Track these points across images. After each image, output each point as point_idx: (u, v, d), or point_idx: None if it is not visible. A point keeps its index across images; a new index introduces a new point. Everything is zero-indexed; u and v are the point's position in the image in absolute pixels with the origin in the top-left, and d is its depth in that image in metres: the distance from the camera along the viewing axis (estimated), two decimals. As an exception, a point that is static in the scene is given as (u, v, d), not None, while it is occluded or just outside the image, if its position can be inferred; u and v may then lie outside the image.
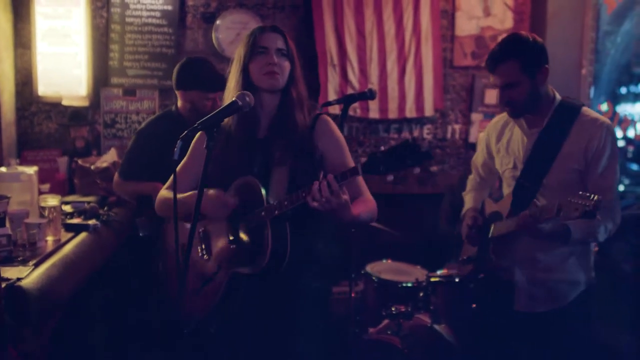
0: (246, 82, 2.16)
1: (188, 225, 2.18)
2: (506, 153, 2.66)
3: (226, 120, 2.17)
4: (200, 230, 2.27)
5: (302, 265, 2.18)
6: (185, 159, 2.29)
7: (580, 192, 2.11)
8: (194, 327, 2.26)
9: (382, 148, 1.77)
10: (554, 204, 2.18)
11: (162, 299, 2.24)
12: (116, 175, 3.43)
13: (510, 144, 2.64)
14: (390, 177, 1.73)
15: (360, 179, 2.20)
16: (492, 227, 2.64)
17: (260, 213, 2.05)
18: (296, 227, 2.09)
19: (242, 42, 2.22)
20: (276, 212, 2.01)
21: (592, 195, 2.07)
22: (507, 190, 2.67)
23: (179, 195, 2.12)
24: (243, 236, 2.13)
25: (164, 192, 2.33)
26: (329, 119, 2.26)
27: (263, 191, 2.06)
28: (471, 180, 3.02)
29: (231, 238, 2.16)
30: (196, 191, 2.09)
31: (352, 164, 2.17)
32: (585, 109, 2.50)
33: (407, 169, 1.80)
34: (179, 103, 3.28)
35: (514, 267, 2.58)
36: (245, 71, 2.17)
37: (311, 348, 2.21)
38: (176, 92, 3.27)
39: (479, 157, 2.92)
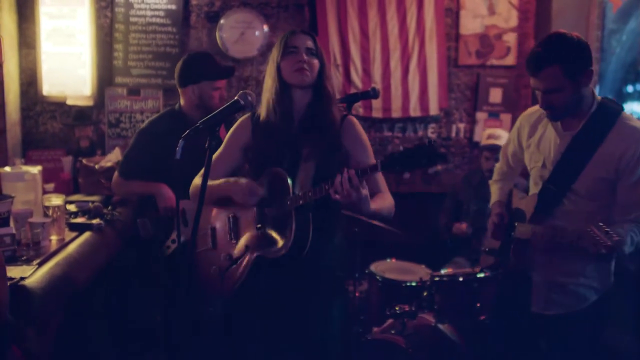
0: (280, 80, 2.30)
1: (217, 210, 2.45)
2: (537, 150, 2.57)
3: (263, 114, 2.35)
4: (230, 215, 2.42)
5: (322, 254, 2.34)
6: (221, 147, 2.43)
7: (602, 224, 2.08)
8: (215, 309, 2.47)
9: (401, 148, 1.93)
10: (575, 231, 2.18)
11: (191, 282, 2.33)
12: (116, 175, 3.35)
13: (542, 142, 2.54)
14: (406, 175, 1.89)
15: (380, 177, 2.36)
16: (516, 227, 2.59)
17: (286, 202, 2.19)
18: (319, 219, 2.22)
19: (275, 46, 2.36)
20: (301, 201, 2.15)
21: (613, 235, 2.02)
22: (533, 187, 2.61)
23: (213, 182, 2.33)
24: (269, 223, 2.28)
25: (198, 180, 2.45)
26: (356, 120, 2.41)
27: (290, 182, 2.20)
28: (498, 169, 2.93)
29: (258, 225, 2.31)
30: (228, 178, 2.36)
31: (373, 162, 2.31)
32: (624, 114, 2.39)
33: (423, 168, 1.88)
34: (183, 101, 3.23)
35: (533, 269, 2.54)
36: (278, 70, 2.31)
37: (327, 334, 2.37)
38: (181, 89, 3.21)
39: (509, 146, 2.80)
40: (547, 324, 2.53)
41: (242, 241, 2.35)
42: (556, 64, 2.25)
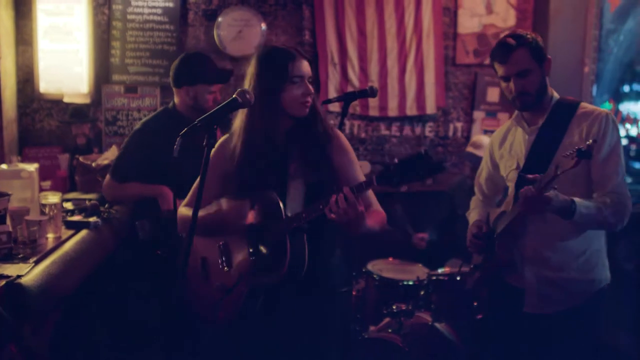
0: (275, 105, 2.15)
1: (206, 240, 2.31)
2: (509, 156, 2.65)
3: (246, 136, 2.20)
4: (220, 243, 2.31)
5: (322, 272, 2.26)
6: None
7: (575, 147, 2.13)
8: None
9: (396, 160, 1.86)
10: (553, 166, 2.17)
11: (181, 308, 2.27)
12: (107, 179, 3.25)
13: (513, 146, 2.64)
14: (404, 188, 1.77)
15: (370, 191, 2.24)
16: (497, 226, 2.59)
17: (279, 225, 2.10)
18: (314, 237, 2.14)
19: (262, 61, 2.18)
20: (294, 224, 2.07)
21: (589, 140, 2.10)
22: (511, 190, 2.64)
23: (202, 213, 2.15)
24: (262, 248, 2.19)
25: (184, 210, 2.34)
26: (342, 134, 2.32)
27: (281, 205, 2.11)
28: (474, 200, 2.99)
29: (251, 250, 2.21)
30: (215, 205, 2.23)
31: (362, 177, 2.23)
32: (583, 104, 2.52)
33: (420, 181, 1.85)
34: (178, 100, 3.19)
35: (524, 266, 2.53)
36: (275, 96, 2.14)
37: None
38: (175, 89, 3.18)
39: (482, 173, 2.89)
40: (543, 323, 2.51)
41: (235, 268, 2.25)
42: (524, 46, 2.44)
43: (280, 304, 2.24)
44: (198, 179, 2.21)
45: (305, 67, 2.18)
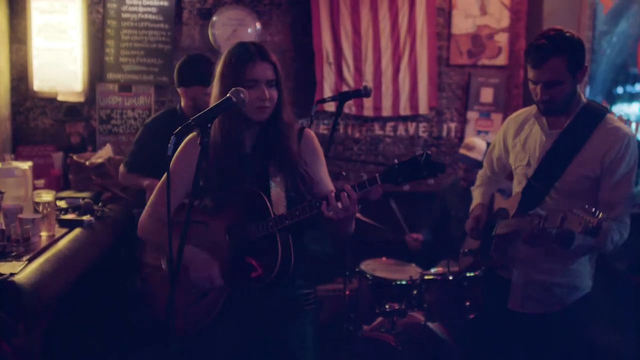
0: (234, 109, 2.05)
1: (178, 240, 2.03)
2: (522, 149, 2.59)
3: (217, 137, 2.14)
4: (195, 243, 2.18)
5: (296, 272, 2.19)
6: (169, 175, 2.11)
7: (587, 206, 2.05)
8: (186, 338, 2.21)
9: (396, 161, 1.89)
10: (559, 215, 2.13)
11: (146, 314, 2.21)
12: (121, 165, 3.49)
13: (528, 141, 2.57)
14: (406, 187, 1.78)
15: None
16: (497, 224, 2.59)
17: (267, 223, 2.05)
18: (297, 239, 2.12)
19: (225, 61, 2.15)
20: (287, 221, 2.02)
21: (598, 212, 2.02)
22: (517, 187, 2.61)
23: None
24: (248, 248, 2.10)
25: (146, 222, 2.27)
26: (313, 133, 2.27)
27: (268, 202, 2.06)
28: (481, 175, 2.93)
29: (234, 250, 2.13)
30: (192, 248, 2.09)
31: (329, 181, 2.22)
32: (609, 115, 2.42)
33: (422, 180, 1.88)
34: (182, 102, 3.33)
35: (513, 265, 2.54)
36: None
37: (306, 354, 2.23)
38: (178, 90, 3.32)
39: (495, 150, 2.82)
40: (525, 322, 2.54)
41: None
42: (562, 55, 2.29)
43: (255, 308, 2.16)
44: (164, 177, 2.16)
45: (263, 70, 2.08)
